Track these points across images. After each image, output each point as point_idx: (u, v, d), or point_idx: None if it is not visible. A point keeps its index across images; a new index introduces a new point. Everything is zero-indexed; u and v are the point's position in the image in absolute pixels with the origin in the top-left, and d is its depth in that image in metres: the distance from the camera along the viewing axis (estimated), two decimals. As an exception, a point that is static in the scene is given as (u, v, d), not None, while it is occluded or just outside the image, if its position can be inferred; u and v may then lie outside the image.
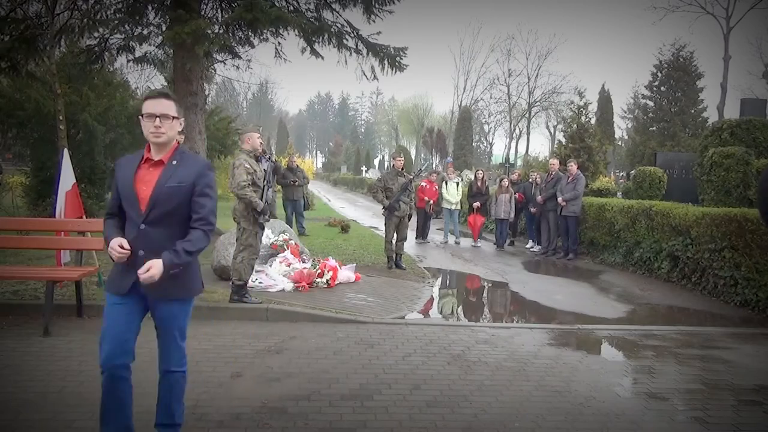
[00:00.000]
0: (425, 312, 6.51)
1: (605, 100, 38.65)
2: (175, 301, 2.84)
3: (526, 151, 45.69)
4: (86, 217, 6.98)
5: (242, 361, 4.41)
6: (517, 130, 52.78)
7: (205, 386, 3.87)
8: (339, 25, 10.57)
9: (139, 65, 11.71)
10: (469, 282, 8.85)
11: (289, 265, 6.98)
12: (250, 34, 10.96)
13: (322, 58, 11.24)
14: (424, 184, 12.45)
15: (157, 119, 2.70)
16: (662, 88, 33.55)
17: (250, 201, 5.66)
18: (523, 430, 3.45)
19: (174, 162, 2.77)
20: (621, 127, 46.59)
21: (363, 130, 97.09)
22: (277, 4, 9.91)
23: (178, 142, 2.89)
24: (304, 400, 3.72)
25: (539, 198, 11.25)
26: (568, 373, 4.43)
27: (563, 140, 17.80)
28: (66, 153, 6.71)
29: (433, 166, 25.09)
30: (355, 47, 10.67)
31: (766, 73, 40.50)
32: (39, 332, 4.83)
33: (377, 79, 11.23)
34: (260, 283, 6.61)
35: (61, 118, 9.42)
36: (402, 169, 9.07)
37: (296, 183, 12.75)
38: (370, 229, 14.68)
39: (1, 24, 9.65)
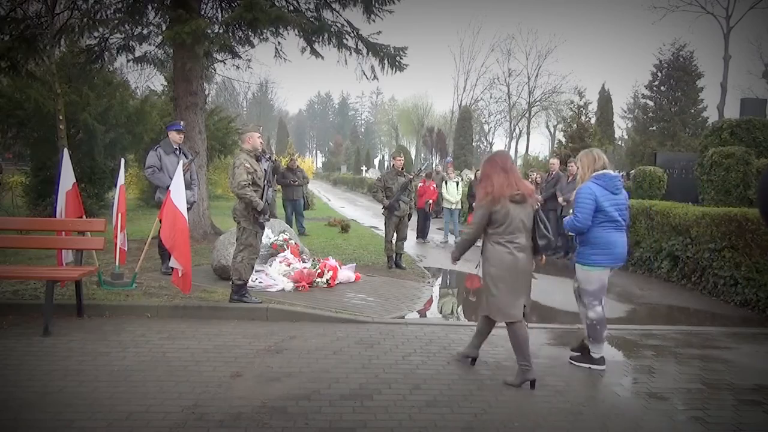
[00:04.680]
0: (425, 312, 6.50)
1: (605, 99, 38.53)
2: None
3: (526, 151, 45.70)
4: (86, 217, 6.97)
5: (242, 360, 4.41)
6: (517, 130, 52.79)
7: (205, 386, 3.87)
8: (339, 25, 10.59)
9: (139, 65, 11.74)
10: (469, 282, 8.84)
11: (289, 265, 6.98)
12: (250, 33, 10.98)
13: (322, 57, 11.26)
14: (419, 184, 12.43)
15: None
16: (662, 88, 33.53)
17: (250, 200, 5.65)
18: (523, 429, 3.45)
19: None
20: (621, 127, 46.53)
21: (363, 130, 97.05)
22: (277, 4, 9.93)
23: None
24: (304, 399, 3.72)
25: (539, 198, 11.23)
26: (568, 373, 4.43)
27: (563, 140, 17.84)
28: (66, 153, 6.70)
29: (433, 166, 25.09)
30: (355, 47, 10.68)
31: (766, 72, 40.49)
32: (39, 332, 4.82)
33: (377, 79, 11.28)
34: (260, 282, 6.61)
35: (61, 117, 9.45)
36: (402, 168, 9.07)
37: (296, 183, 12.75)
38: (370, 228, 14.68)
39: (1, 24, 9.65)
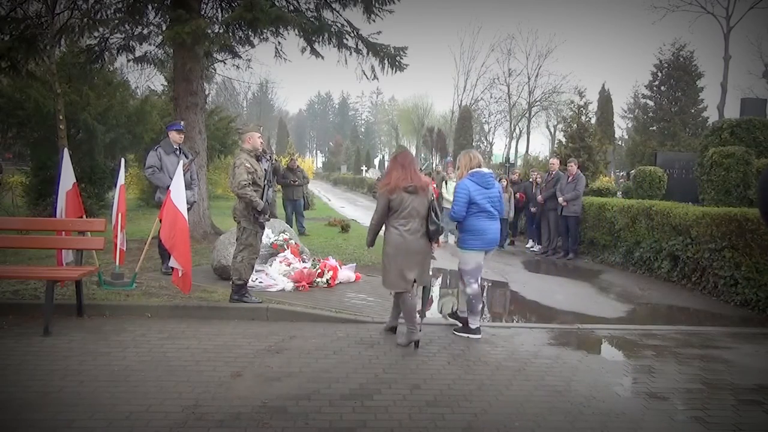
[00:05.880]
0: (425, 312, 6.49)
1: (605, 99, 38.61)
2: None
3: (527, 151, 45.67)
4: (86, 217, 6.97)
5: (242, 360, 4.41)
6: (517, 130, 52.77)
7: (205, 386, 3.87)
8: (339, 25, 10.58)
9: (139, 65, 11.72)
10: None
11: (289, 265, 6.97)
12: (250, 33, 10.98)
13: (322, 57, 11.25)
14: None
15: None
16: (662, 88, 33.59)
17: (250, 200, 5.65)
18: (523, 429, 3.45)
19: None
20: (621, 127, 46.64)
21: (363, 130, 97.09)
22: (277, 4, 9.92)
23: None
24: (304, 399, 3.72)
25: (539, 198, 11.24)
26: (568, 373, 4.43)
27: (563, 140, 17.82)
28: (66, 152, 6.70)
29: (433, 166, 25.09)
30: (355, 47, 10.68)
31: (766, 72, 40.51)
32: (39, 332, 4.83)
33: (377, 79, 11.26)
34: (260, 282, 6.61)
35: (61, 117, 9.45)
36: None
37: (296, 183, 12.75)
38: (370, 228, 14.63)
39: (1, 24, 9.65)
